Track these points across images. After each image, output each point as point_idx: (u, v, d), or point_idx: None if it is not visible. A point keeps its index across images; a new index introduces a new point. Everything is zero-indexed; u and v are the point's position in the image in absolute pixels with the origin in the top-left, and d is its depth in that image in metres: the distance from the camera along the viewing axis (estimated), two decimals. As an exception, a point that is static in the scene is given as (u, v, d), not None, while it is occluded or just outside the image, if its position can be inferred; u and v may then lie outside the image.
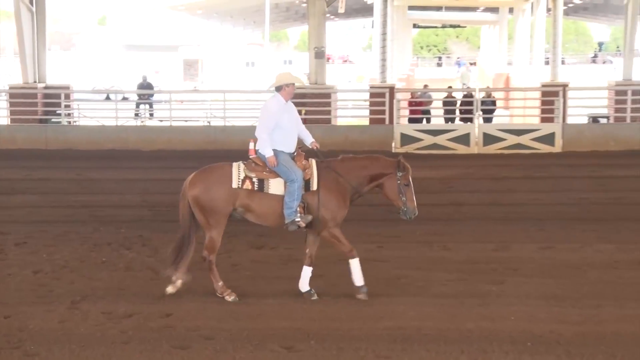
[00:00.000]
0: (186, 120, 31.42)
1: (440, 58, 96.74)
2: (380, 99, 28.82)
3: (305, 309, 9.95)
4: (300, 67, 48.39)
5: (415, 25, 74.89)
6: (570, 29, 73.83)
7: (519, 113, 34.53)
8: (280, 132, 10.55)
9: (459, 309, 9.94)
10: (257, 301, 10.29)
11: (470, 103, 29.36)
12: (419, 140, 26.48)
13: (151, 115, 34.60)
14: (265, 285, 10.99)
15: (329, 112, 28.93)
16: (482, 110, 29.19)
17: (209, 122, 31.04)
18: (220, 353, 8.44)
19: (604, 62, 69.95)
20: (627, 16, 28.80)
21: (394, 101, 27.82)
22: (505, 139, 26.46)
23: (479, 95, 29.78)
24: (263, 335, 8.93)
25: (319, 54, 28.40)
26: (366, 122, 30.51)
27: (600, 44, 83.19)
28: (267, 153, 10.38)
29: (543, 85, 30.77)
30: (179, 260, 10.50)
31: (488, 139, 26.63)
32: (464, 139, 26.77)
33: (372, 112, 29.95)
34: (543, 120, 28.72)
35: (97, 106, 33.99)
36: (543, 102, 29.46)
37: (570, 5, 49.67)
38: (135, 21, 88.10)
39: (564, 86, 28.77)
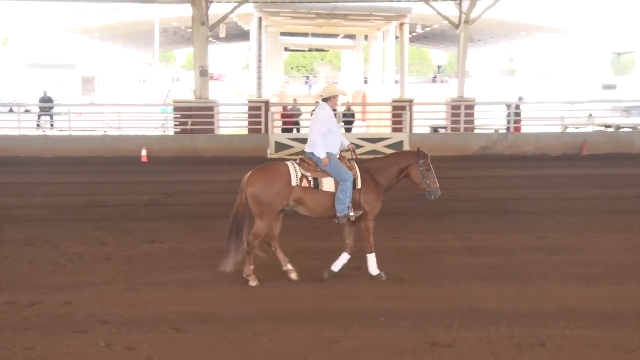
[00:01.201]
0: (84, 130, 30.71)
1: (307, 77, 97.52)
2: (257, 111, 28.93)
3: (192, 295, 9.77)
4: (186, 84, 48.03)
5: (286, 49, 75.23)
6: (415, 54, 75.35)
7: (374, 124, 34.95)
8: (330, 135, 10.62)
9: (325, 291, 9.93)
10: (149, 289, 10.07)
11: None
12: (291, 147, 26.52)
13: (52, 125, 33.71)
14: (156, 275, 10.75)
15: (212, 123, 28.83)
16: (343, 121, 29.70)
17: (105, 132, 30.45)
18: (115, 336, 8.19)
19: (441, 82, 71.86)
20: (459, 44, 29.46)
21: (269, 113, 27.99)
22: (362, 146, 26.61)
23: (340, 109, 30.33)
24: (154, 319, 8.73)
25: (203, 73, 28.34)
26: (245, 131, 30.50)
27: (439, 67, 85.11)
28: (322, 154, 10.40)
29: (393, 101, 31.29)
30: (236, 246, 10.33)
31: (351, 146, 26.79)
32: (328, 146, 26.81)
33: (250, 123, 29.96)
34: (393, 130, 29.17)
35: (1, 117, 32.95)
36: (393, 115, 29.98)
37: (414, 34, 50.57)
38: (36, 42, 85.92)
39: (410, 102, 29.32)
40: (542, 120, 31.79)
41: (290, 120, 32.07)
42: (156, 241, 13.02)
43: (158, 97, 46.67)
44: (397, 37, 42.66)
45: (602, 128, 32.19)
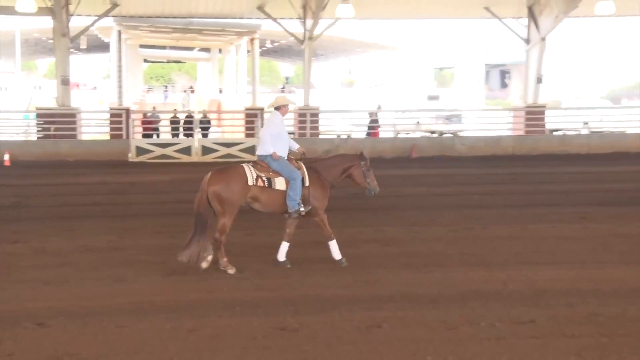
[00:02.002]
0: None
1: (166, 87, 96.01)
2: (118, 118, 28.51)
3: (55, 292, 9.41)
4: (49, 92, 46.36)
5: (145, 60, 73.82)
6: (265, 67, 75.59)
7: (229, 130, 34.79)
8: (281, 140, 10.85)
9: (184, 284, 9.80)
10: (12, 287, 9.61)
11: (191, 122, 29.75)
12: (151, 151, 26.22)
13: None
14: (20, 274, 10.31)
15: (75, 129, 28.07)
16: (200, 127, 29.56)
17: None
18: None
19: (289, 92, 72.37)
20: (304, 58, 29.81)
21: (130, 120, 27.58)
22: (219, 150, 26.73)
23: (197, 116, 30.18)
24: (18, 315, 8.35)
25: (64, 82, 27.56)
26: (107, 137, 29.87)
27: (287, 78, 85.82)
28: (271, 150, 10.65)
29: (246, 109, 31.31)
30: (203, 242, 10.38)
31: (206, 150, 26.78)
32: (187, 150, 26.79)
33: (112, 129, 29.45)
34: (247, 135, 29.19)
35: None
36: (246, 122, 30.03)
37: (264, 48, 50.72)
38: None
39: (261, 110, 29.48)
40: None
41: (150, 126, 31.79)
42: (20, 241, 12.48)
43: (20, 104, 44.85)
44: (248, 51, 42.68)
45: (428, 134, 33.22)
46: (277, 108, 11.16)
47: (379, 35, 54.10)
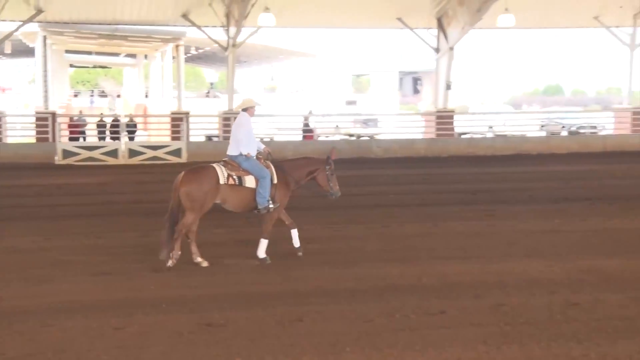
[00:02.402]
0: None
1: (92, 91, 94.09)
2: (44, 122, 27.82)
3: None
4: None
5: (71, 65, 72.28)
6: (190, 72, 74.89)
7: (155, 133, 34.35)
8: (251, 140, 10.93)
9: (111, 284, 9.64)
10: None
11: (118, 125, 29.33)
12: (77, 154, 25.72)
13: None
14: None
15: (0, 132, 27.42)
16: (127, 131, 29.14)
17: None
18: None
19: (214, 97, 71.88)
20: (228, 65, 29.65)
21: (56, 124, 26.96)
22: (145, 153, 26.40)
23: (124, 120, 29.74)
24: None
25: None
26: (34, 140, 29.12)
27: (211, 84, 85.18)
28: (245, 151, 10.74)
29: (172, 113, 30.92)
30: (172, 240, 10.40)
31: (132, 153, 26.44)
32: (114, 153, 26.34)
33: (38, 132, 28.66)
34: (173, 138, 28.83)
35: None
36: (172, 125, 29.65)
37: (189, 54, 50.20)
38: None
39: (187, 114, 29.24)
40: (297, 130, 32.80)
41: (77, 130, 31.21)
42: None
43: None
44: (173, 57, 42.26)
45: (347, 137, 33.44)
46: (245, 109, 11.19)
47: (299, 43, 54.28)
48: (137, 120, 34.91)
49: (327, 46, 61.62)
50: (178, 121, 28.63)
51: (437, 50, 30.13)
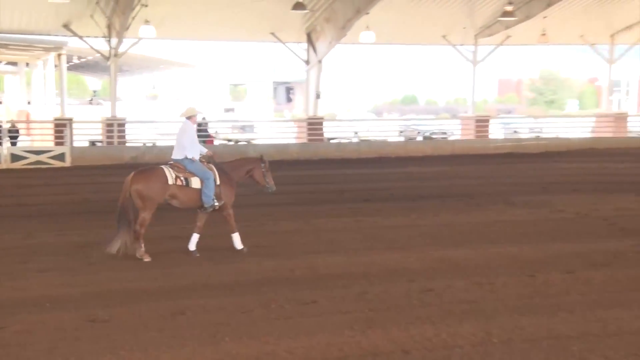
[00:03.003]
0: None
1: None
2: None
3: None
4: None
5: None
6: (73, 80, 72.32)
7: (39, 139, 32.98)
8: (194, 145, 11.14)
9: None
10: None
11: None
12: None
13: None
14: None
15: None
16: (9, 136, 27.83)
17: None
18: None
19: (97, 104, 69.94)
20: (111, 73, 28.92)
21: None
22: (28, 157, 25.35)
23: (6, 126, 28.42)
24: None
25: None
26: None
27: (94, 91, 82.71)
28: (190, 155, 10.96)
29: (56, 119, 29.81)
30: (126, 235, 10.56)
31: (15, 157, 25.23)
32: (-5, 158, 25.17)
33: None
34: (56, 144, 27.80)
35: None
36: (56, 131, 28.60)
37: (72, 63, 48.49)
38: None
39: (70, 120, 28.33)
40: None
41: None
42: None
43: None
44: (56, 65, 40.71)
45: (225, 142, 33.29)
46: (188, 117, 11.33)
47: (180, 54, 53.43)
48: (19, 126, 33.42)
49: (206, 57, 60.84)
50: (62, 127, 27.67)
51: (307, 62, 30.45)
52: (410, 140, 35.57)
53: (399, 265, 10.36)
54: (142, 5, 24.34)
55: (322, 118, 31.58)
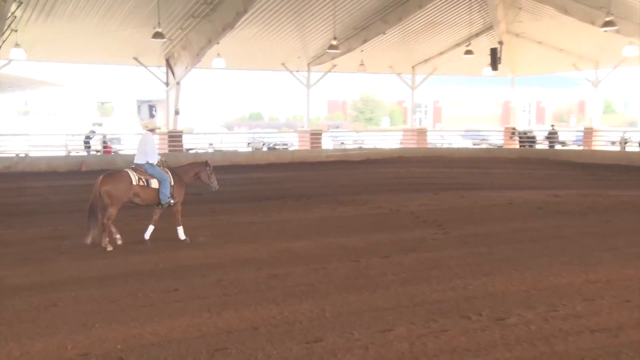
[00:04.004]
0: None
1: None
2: None
3: None
4: None
5: None
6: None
7: None
8: (154, 153, 11.36)
9: None
10: None
11: None
12: None
13: None
14: None
15: None
16: None
17: None
18: None
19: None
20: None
21: None
22: None
23: None
24: None
25: None
26: None
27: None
28: (148, 160, 11.13)
29: None
30: (96, 228, 10.59)
31: None
32: None
33: None
34: None
35: None
36: None
37: (-53, 81, 44.32)
38: None
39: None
40: (50, 147, 30.69)
41: None
42: None
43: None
44: None
45: (95, 152, 31.85)
46: (150, 130, 11.65)
47: (50, 73, 50.30)
48: None
49: (75, 77, 57.74)
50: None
51: (167, 84, 29.74)
52: (257, 150, 35.69)
53: (249, 255, 10.34)
54: (12, 30, 22.74)
55: (181, 131, 30.97)
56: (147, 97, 69.34)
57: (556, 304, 7.46)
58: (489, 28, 31.64)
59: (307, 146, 33.64)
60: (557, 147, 35.53)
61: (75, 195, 18.14)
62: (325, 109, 79.33)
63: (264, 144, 38.26)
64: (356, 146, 37.73)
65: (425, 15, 29.95)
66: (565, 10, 26.83)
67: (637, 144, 33.30)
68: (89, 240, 10.53)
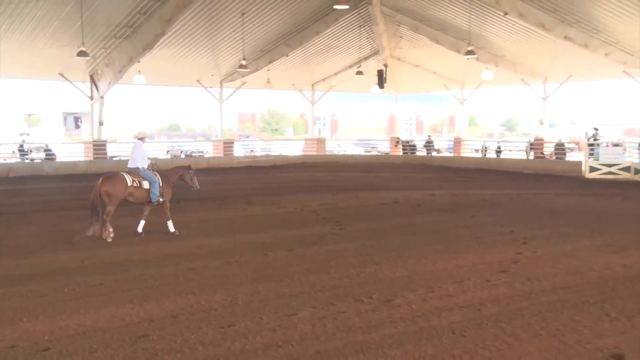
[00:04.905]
0: None
1: None
2: None
3: None
4: None
5: None
6: None
7: None
8: (144, 158, 11.46)
9: None
10: None
11: None
12: None
13: None
14: None
15: None
16: None
17: None
18: None
19: None
20: None
21: None
22: None
23: None
24: None
25: None
26: None
27: None
28: (140, 165, 11.33)
29: None
30: (97, 223, 10.73)
31: None
32: None
33: None
34: None
35: None
36: None
37: None
38: None
39: None
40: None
41: None
42: None
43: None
44: None
45: (25, 160, 30.03)
46: (140, 138, 11.71)
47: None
48: None
49: (2, 90, 53.97)
50: None
51: (91, 97, 28.38)
52: (175, 157, 34.77)
53: (169, 251, 10.06)
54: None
55: (105, 141, 29.65)
56: (72, 109, 65.98)
57: (433, 286, 7.76)
58: (375, 53, 32.49)
59: (220, 154, 33.14)
60: (433, 153, 37.01)
61: (4, 199, 17.03)
62: (236, 120, 78.63)
63: (181, 151, 37.37)
64: (264, 153, 37.61)
65: (322, 40, 30.36)
66: (437, 40, 28.05)
67: (494, 151, 35.29)
68: (90, 233, 10.69)
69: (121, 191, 10.96)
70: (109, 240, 10.70)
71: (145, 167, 11.44)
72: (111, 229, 10.91)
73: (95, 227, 10.72)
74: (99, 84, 27.73)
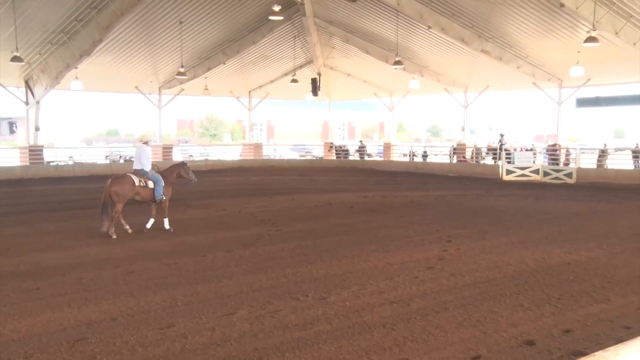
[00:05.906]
0: None
1: None
2: None
3: None
4: None
5: None
6: None
7: None
8: (149, 160, 11.72)
9: None
10: None
11: None
12: None
13: None
14: None
15: None
16: None
17: None
18: None
19: None
20: None
21: None
22: None
23: None
24: None
25: None
26: None
27: None
28: (146, 167, 11.66)
29: None
30: (108, 220, 10.99)
31: None
32: None
33: None
34: None
35: None
36: None
37: None
38: None
39: None
40: None
41: None
42: None
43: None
44: None
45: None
46: (144, 142, 11.85)
47: None
48: None
49: None
50: None
51: (26, 103, 26.96)
52: (114, 162, 33.52)
53: (108, 255, 9.69)
54: None
55: (41, 146, 28.24)
56: (7, 114, 62.42)
57: (365, 283, 7.87)
58: (309, 62, 32.68)
59: (159, 158, 32.27)
60: (365, 158, 37.60)
61: None
62: (175, 126, 76.89)
63: (120, 156, 36.11)
64: (203, 158, 36.96)
65: (258, 49, 30.24)
66: (366, 51, 28.57)
67: (421, 156, 36.29)
68: (104, 229, 10.97)
69: (129, 190, 11.32)
70: (114, 237, 10.97)
71: (149, 168, 11.78)
72: (128, 226, 11.44)
73: (107, 224, 11.05)
74: (35, 90, 26.44)
